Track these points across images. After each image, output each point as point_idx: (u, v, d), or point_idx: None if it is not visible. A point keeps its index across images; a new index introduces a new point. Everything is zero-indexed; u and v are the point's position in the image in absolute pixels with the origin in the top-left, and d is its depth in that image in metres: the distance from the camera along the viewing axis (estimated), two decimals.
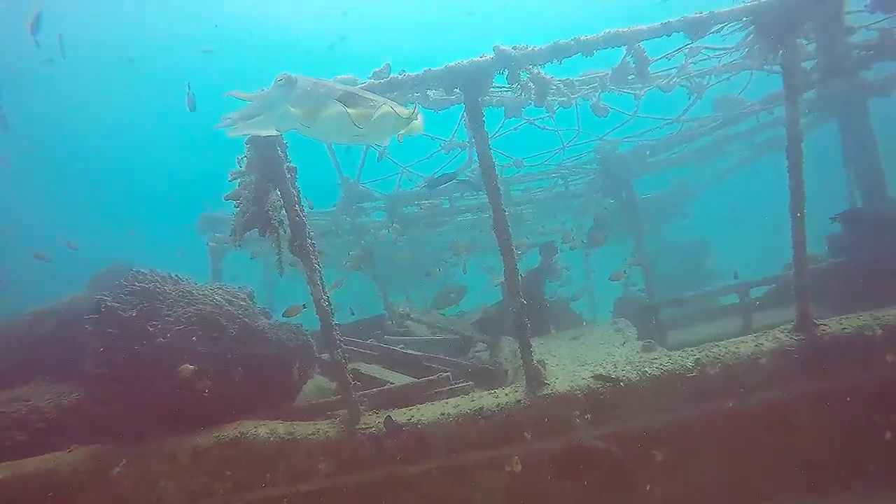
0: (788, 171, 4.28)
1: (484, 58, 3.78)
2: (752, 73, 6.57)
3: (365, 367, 5.70)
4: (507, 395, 4.42)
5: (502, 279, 7.64)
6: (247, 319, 5.01)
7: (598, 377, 4.31)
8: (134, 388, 4.33)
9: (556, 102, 5.25)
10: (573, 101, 5.28)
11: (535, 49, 3.77)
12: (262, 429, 4.38)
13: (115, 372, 4.30)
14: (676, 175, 12.05)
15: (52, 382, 5.78)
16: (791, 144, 4.21)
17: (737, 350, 4.36)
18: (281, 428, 4.41)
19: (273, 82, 2.79)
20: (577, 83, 4.65)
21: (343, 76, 5.37)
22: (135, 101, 35.73)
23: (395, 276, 11.39)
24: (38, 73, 27.76)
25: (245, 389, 4.79)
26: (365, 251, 9.19)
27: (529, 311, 7.10)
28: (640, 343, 5.75)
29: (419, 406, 4.53)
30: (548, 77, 4.01)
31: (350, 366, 5.79)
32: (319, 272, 4.27)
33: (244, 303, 5.14)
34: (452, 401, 4.51)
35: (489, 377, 6.13)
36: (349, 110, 2.63)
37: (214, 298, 4.91)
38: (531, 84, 4.02)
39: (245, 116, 2.74)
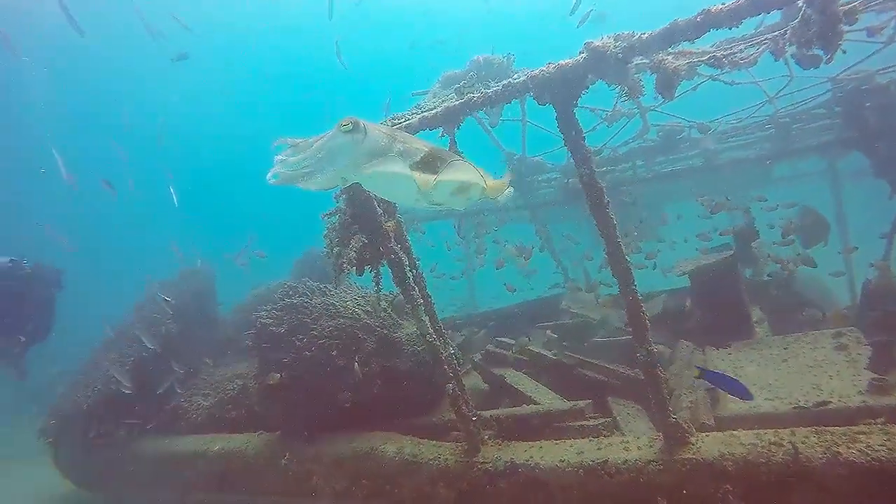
0: None
1: (577, 59, 2.93)
2: None
3: (511, 376, 5.44)
4: (639, 449, 3.72)
5: (689, 266, 6.42)
6: (385, 332, 5.19)
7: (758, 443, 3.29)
8: (284, 395, 4.92)
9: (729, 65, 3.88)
10: (755, 59, 3.83)
11: (644, 37, 2.74)
12: (390, 445, 4.56)
13: (266, 389, 4.93)
14: None
15: None
16: None
17: None
18: (408, 447, 4.52)
19: (336, 127, 2.26)
20: (725, 58, 3.27)
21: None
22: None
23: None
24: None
25: (382, 400, 5.04)
26: (540, 229, 8.64)
27: (722, 311, 5.91)
28: (869, 378, 4.22)
29: (542, 444, 4.13)
30: (674, 64, 2.91)
31: (498, 371, 5.67)
32: (424, 305, 4.11)
33: (384, 313, 5.31)
34: (578, 444, 3.99)
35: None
36: (434, 178, 2.11)
37: (355, 311, 5.18)
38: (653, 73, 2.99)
39: (300, 167, 2.28)
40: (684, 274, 6.22)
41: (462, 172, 2.24)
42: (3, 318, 7.25)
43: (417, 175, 2.17)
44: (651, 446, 3.69)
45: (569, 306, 6.72)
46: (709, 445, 3.50)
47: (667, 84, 2.92)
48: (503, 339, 6.11)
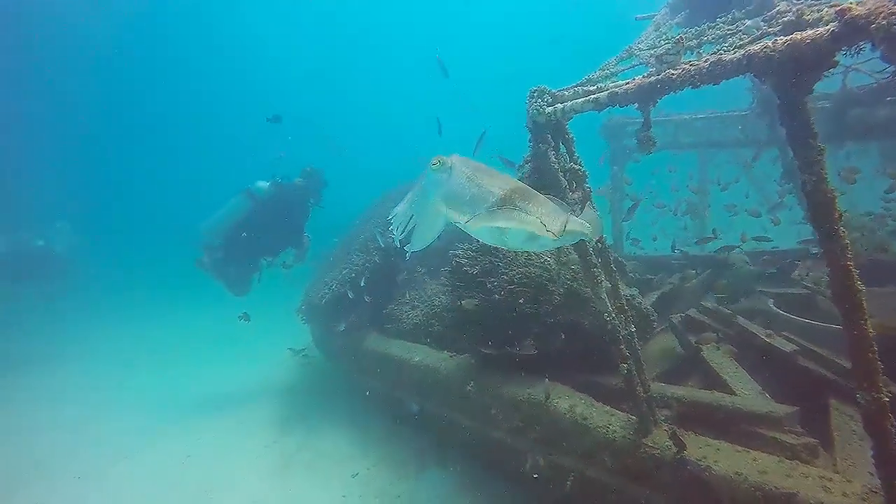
0: None
1: (820, 31, 2.09)
2: None
3: (709, 352, 4.90)
4: (844, 496, 3.10)
5: None
6: (575, 285, 5.08)
7: None
8: (473, 331, 5.32)
9: None
10: None
11: None
12: (564, 401, 4.64)
13: (459, 318, 5.36)
14: None
15: None
16: None
17: None
18: (580, 406, 4.54)
19: (427, 166, 2.29)
20: None
21: None
22: None
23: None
24: None
25: (564, 352, 5.08)
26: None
27: None
28: None
29: (721, 445, 3.74)
30: None
31: (696, 341, 5.18)
32: (608, 280, 3.86)
33: (575, 266, 5.17)
34: (764, 460, 3.50)
35: None
36: (499, 224, 2.05)
37: (546, 261, 5.14)
38: None
39: (405, 216, 2.33)
40: None
41: (511, 221, 2.02)
42: (301, 222, 10.04)
43: (468, 223, 2.10)
44: (864, 500, 3.04)
45: (801, 276, 5.50)
46: None
47: None
48: (708, 306, 5.42)
